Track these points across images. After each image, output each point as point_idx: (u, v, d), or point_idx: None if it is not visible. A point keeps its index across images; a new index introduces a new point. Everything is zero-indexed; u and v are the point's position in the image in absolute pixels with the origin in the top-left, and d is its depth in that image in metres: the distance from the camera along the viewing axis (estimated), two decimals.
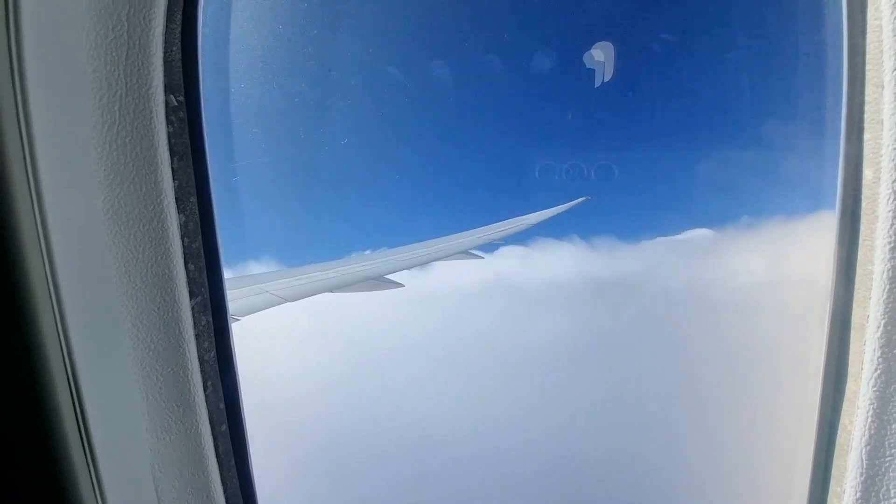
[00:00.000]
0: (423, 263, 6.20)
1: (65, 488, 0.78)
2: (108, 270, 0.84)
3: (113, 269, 0.84)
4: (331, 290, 5.44)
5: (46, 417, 0.76)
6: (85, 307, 0.81)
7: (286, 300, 4.92)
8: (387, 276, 5.68)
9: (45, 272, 0.75)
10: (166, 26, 0.86)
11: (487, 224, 6.87)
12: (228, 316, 1.01)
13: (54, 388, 0.76)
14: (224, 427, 0.99)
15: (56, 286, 0.76)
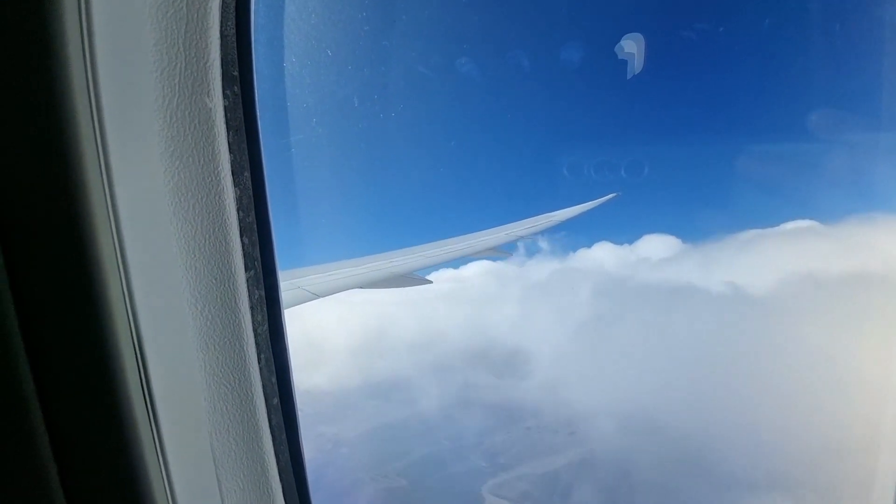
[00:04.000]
0: (451, 260, 6.17)
1: (131, 453, 0.79)
2: (170, 242, 0.86)
3: (174, 241, 0.86)
4: (360, 287, 5.48)
5: (114, 384, 0.78)
6: (149, 279, 0.82)
7: (317, 296, 4.98)
8: (415, 273, 5.69)
9: (114, 244, 0.77)
10: (222, 0, 0.88)
11: (515, 221, 6.79)
12: (280, 290, 1.01)
13: (121, 354, 0.77)
14: (276, 401, 1.00)
15: (124, 258, 0.78)
